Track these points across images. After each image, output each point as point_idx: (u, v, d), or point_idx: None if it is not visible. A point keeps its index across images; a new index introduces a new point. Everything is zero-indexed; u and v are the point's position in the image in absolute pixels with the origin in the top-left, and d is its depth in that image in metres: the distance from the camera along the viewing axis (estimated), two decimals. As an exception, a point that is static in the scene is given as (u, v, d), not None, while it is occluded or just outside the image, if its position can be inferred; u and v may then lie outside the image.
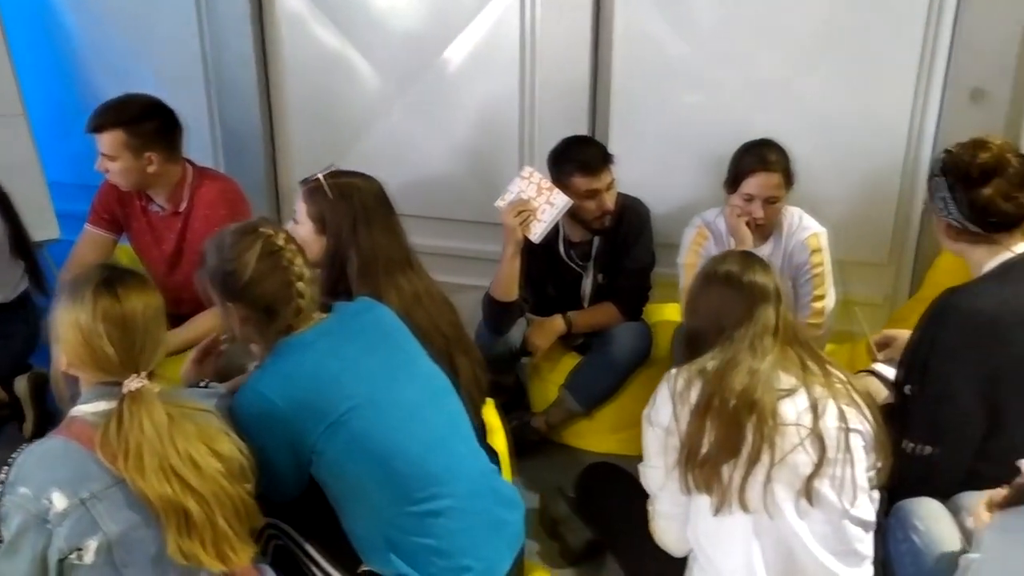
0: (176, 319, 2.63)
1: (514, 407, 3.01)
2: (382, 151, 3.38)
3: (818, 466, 1.70)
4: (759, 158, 2.55)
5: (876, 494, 1.84)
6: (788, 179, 2.59)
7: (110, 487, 1.42)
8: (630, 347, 2.80)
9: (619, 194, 2.80)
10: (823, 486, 1.71)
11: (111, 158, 2.57)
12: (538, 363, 3.00)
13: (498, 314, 2.71)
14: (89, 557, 1.40)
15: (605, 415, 2.85)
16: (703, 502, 1.75)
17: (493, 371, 2.98)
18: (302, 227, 2.05)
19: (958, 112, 2.77)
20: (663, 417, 1.81)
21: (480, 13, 3.15)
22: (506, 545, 1.80)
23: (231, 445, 1.53)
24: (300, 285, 1.67)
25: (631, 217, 2.83)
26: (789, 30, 2.89)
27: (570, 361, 2.92)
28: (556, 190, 2.55)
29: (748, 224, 2.58)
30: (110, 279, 1.49)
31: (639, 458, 1.92)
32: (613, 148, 2.87)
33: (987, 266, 1.90)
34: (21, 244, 2.81)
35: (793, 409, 1.73)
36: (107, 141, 2.55)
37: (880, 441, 1.81)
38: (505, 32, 3.13)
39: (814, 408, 1.73)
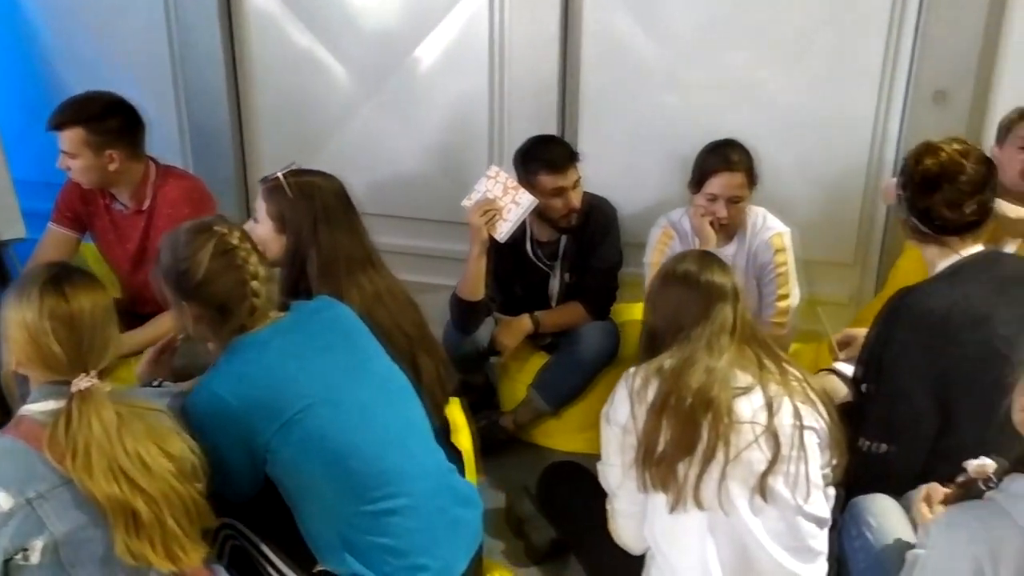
0: (140, 318, 2.62)
1: (484, 406, 3.01)
2: (352, 150, 3.38)
3: (772, 463, 1.71)
4: (722, 158, 2.57)
5: (832, 491, 1.86)
6: (751, 179, 2.61)
7: (57, 487, 1.41)
8: (598, 346, 2.81)
9: (586, 193, 2.81)
10: (777, 483, 1.72)
11: (72, 156, 2.55)
12: (506, 362, 3.00)
13: (465, 313, 2.71)
14: (35, 557, 1.39)
15: (573, 414, 2.86)
16: (659, 500, 1.76)
17: (462, 370, 2.99)
18: (262, 226, 2.03)
19: (921, 113, 2.81)
20: (621, 416, 1.82)
21: (450, 12, 3.15)
22: (463, 544, 1.80)
23: (182, 445, 1.52)
24: (254, 284, 1.66)
25: (598, 216, 2.84)
26: (757, 31, 2.91)
27: (538, 360, 2.92)
28: (522, 190, 2.55)
29: (712, 224, 2.60)
30: (57, 277, 1.48)
31: (604, 457, 1.93)
32: (582, 147, 2.89)
33: (939, 266, 1.93)
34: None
35: (749, 407, 1.74)
36: (68, 139, 2.52)
37: (835, 438, 1.82)
38: (475, 31, 3.14)
39: (769, 406, 1.74)
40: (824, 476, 1.82)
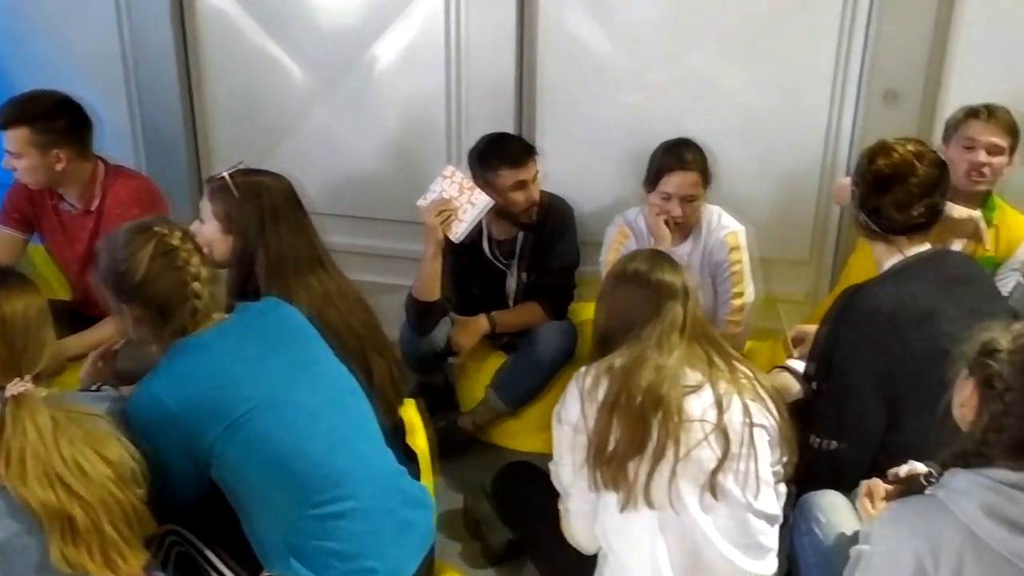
0: (90, 320, 2.58)
1: (443, 407, 3.00)
2: (308, 149, 3.34)
3: (722, 461, 1.72)
4: (676, 157, 2.58)
5: (783, 488, 1.87)
6: (706, 178, 2.62)
7: (-11, 494, 1.38)
8: (556, 346, 2.81)
9: (543, 192, 2.81)
10: (727, 480, 1.73)
11: (17, 156, 2.50)
12: (464, 363, 2.99)
13: (421, 314, 2.69)
14: (-33, 567, 1.36)
15: (532, 414, 2.85)
16: (610, 499, 1.76)
17: (419, 371, 3.00)
18: (208, 226, 2.01)
19: (873, 113, 2.83)
20: (571, 415, 1.81)
21: (406, 10, 3.13)
22: (414, 546, 1.78)
23: (121, 450, 1.49)
24: (196, 285, 1.63)
25: (555, 216, 2.84)
26: (712, 30, 2.92)
27: (497, 361, 2.91)
28: (477, 190, 2.54)
29: (667, 222, 2.61)
30: (-12, 280, 1.45)
31: (560, 457, 1.92)
32: (540, 146, 2.89)
33: (886, 264, 1.96)
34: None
35: (699, 405, 1.75)
36: (13, 138, 2.48)
37: (785, 436, 1.84)
38: (431, 30, 3.12)
39: (719, 404, 1.75)
40: (775, 473, 1.83)
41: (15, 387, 1.43)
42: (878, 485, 1.69)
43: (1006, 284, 2.48)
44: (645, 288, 1.83)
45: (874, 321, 1.86)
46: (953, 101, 2.68)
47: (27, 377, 1.44)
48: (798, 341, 2.35)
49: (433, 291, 2.62)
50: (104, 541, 1.42)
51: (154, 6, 3.27)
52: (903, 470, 1.65)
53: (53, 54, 3.45)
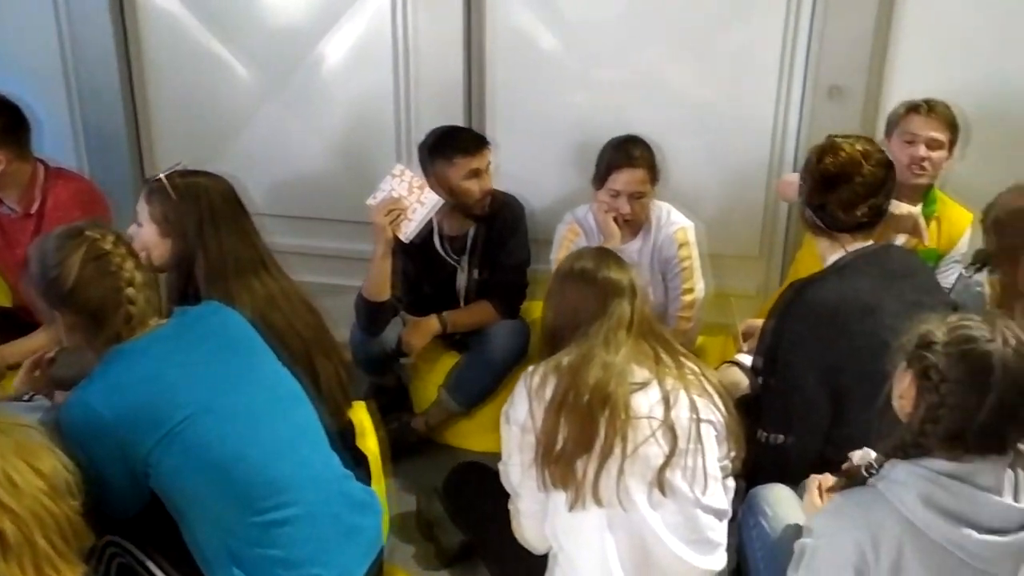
0: (33, 326, 2.52)
1: (396, 408, 2.97)
2: (255, 149, 3.29)
3: (669, 457, 1.72)
4: (624, 154, 2.59)
5: (731, 483, 1.88)
6: (653, 175, 2.63)
7: (-86, 509, 1.33)
8: (508, 345, 2.79)
9: (494, 190, 2.80)
10: (675, 477, 1.73)
11: (-48, 158, 2.44)
12: (417, 364, 2.97)
13: (371, 314, 2.66)
14: None
15: (486, 414, 2.83)
16: (559, 498, 1.75)
17: (371, 372, 2.97)
18: (145, 229, 1.96)
19: (818, 108, 2.87)
20: (519, 414, 1.81)
21: (352, 8, 3.09)
22: (361, 552, 1.76)
23: (54, 461, 1.43)
24: (130, 291, 1.59)
25: (506, 213, 2.83)
26: (660, 28, 2.94)
27: (449, 360, 2.89)
28: (427, 189, 2.52)
29: (616, 219, 2.61)
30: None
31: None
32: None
33: (830, 259, 1.98)
34: None
35: (646, 402, 1.75)
36: (-52, 141, 2.42)
37: (732, 431, 1.84)
38: (378, 27, 3.09)
39: (666, 400, 1.75)
40: (723, 468, 1.84)
41: (-59, 399, 1.38)
42: (828, 479, 1.71)
43: (948, 276, 2.53)
44: (592, 286, 1.83)
45: (818, 315, 1.88)
46: (895, 97, 2.73)
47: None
48: (748, 335, 2.38)
49: (383, 291, 2.59)
50: (37, 555, 1.37)
51: (92, 3, 3.20)
52: (857, 455, 1.66)
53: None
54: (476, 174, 2.68)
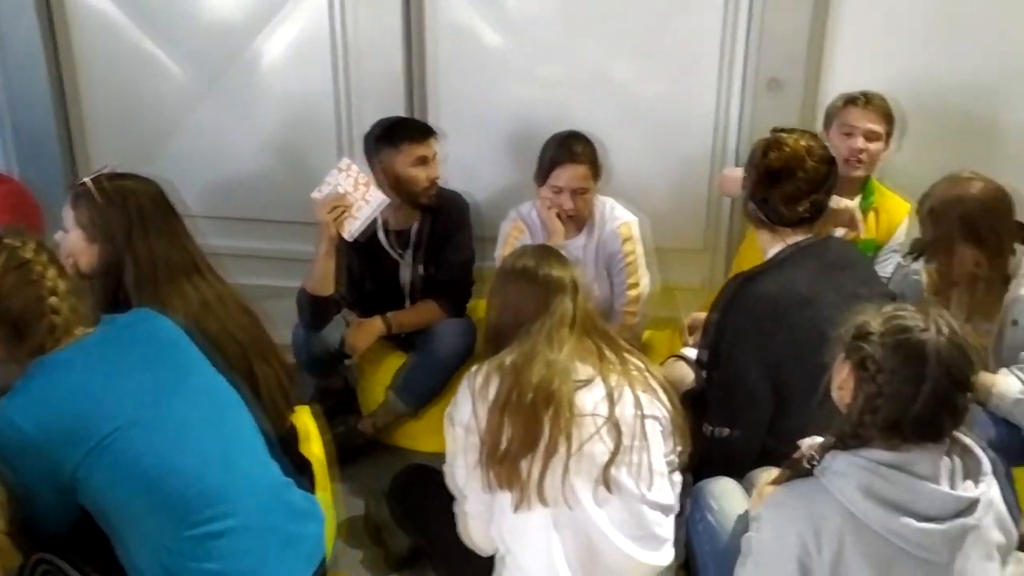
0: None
1: (343, 411, 2.92)
2: (191, 150, 3.20)
3: (615, 454, 1.72)
4: (566, 150, 2.57)
5: (678, 477, 1.88)
6: (596, 170, 2.62)
7: None
8: (455, 345, 2.76)
9: (440, 187, 2.76)
10: (620, 474, 1.73)
11: None
12: (363, 365, 2.92)
13: (314, 309, 2.62)
14: None
15: (433, 415, 2.80)
16: (505, 499, 1.74)
17: (315, 374, 2.92)
18: (72, 235, 1.89)
19: (758, 101, 2.89)
20: (463, 415, 1.79)
21: (288, 2, 3.03)
22: (302, 561, 1.71)
23: (-24, 479, 1.38)
24: (53, 300, 1.53)
25: (451, 209, 2.80)
26: (602, 22, 2.93)
27: (396, 361, 2.85)
28: (373, 187, 2.47)
29: (559, 215, 2.60)
30: None
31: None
32: (431, 143, 2.85)
33: (770, 252, 1.99)
34: None
35: (590, 399, 1.74)
36: None
37: (678, 425, 1.85)
38: (315, 23, 3.03)
39: (610, 397, 1.75)
40: (669, 463, 1.84)
41: None
42: (773, 473, 1.71)
43: (887, 266, 2.57)
44: (533, 284, 1.82)
45: (759, 308, 1.89)
46: (833, 89, 2.76)
47: None
48: (693, 329, 2.38)
49: (326, 287, 2.55)
50: (-44, 580, 1.32)
51: (16, 1, 3.08)
52: (805, 443, 1.66)
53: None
54: (423, 161, 2.65)
